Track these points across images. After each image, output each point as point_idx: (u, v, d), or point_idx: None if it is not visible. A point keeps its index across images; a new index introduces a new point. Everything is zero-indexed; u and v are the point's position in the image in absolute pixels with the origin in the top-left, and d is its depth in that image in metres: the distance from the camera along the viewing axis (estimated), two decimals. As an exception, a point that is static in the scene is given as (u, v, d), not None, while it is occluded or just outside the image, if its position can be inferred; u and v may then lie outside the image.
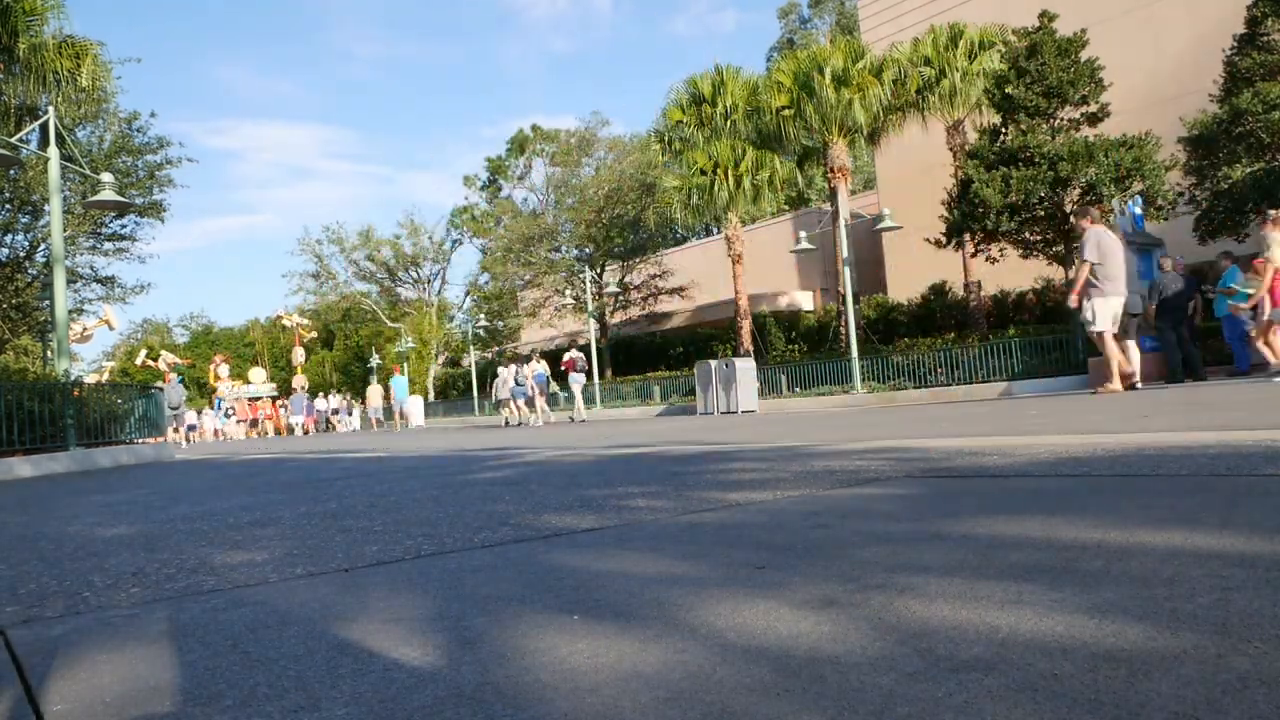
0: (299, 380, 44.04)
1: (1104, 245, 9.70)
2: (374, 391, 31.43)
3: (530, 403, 21.02)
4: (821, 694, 0.96)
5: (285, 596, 1.77)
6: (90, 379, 24.07)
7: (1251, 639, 1.02)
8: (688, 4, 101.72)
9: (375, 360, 40.45)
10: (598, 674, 1.10)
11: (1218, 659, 0.96)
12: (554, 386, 22.15)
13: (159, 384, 20.53)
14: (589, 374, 21.43)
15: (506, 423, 21.51)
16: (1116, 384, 9.79)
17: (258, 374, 48.68)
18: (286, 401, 38.04)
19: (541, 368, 21.04)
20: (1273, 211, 10.39)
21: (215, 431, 37.34)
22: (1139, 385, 10.07)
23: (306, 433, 33.41)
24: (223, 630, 1.51)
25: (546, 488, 3.63)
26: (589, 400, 23.60)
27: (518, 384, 21.09)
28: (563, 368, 20.82)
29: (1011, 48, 16.62)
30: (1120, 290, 9.67)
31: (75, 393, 10.50)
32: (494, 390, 22.88)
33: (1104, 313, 9.61)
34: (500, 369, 22.40)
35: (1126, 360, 9.97)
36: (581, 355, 20.45)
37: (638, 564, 1.83)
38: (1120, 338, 9.95)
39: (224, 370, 46.75)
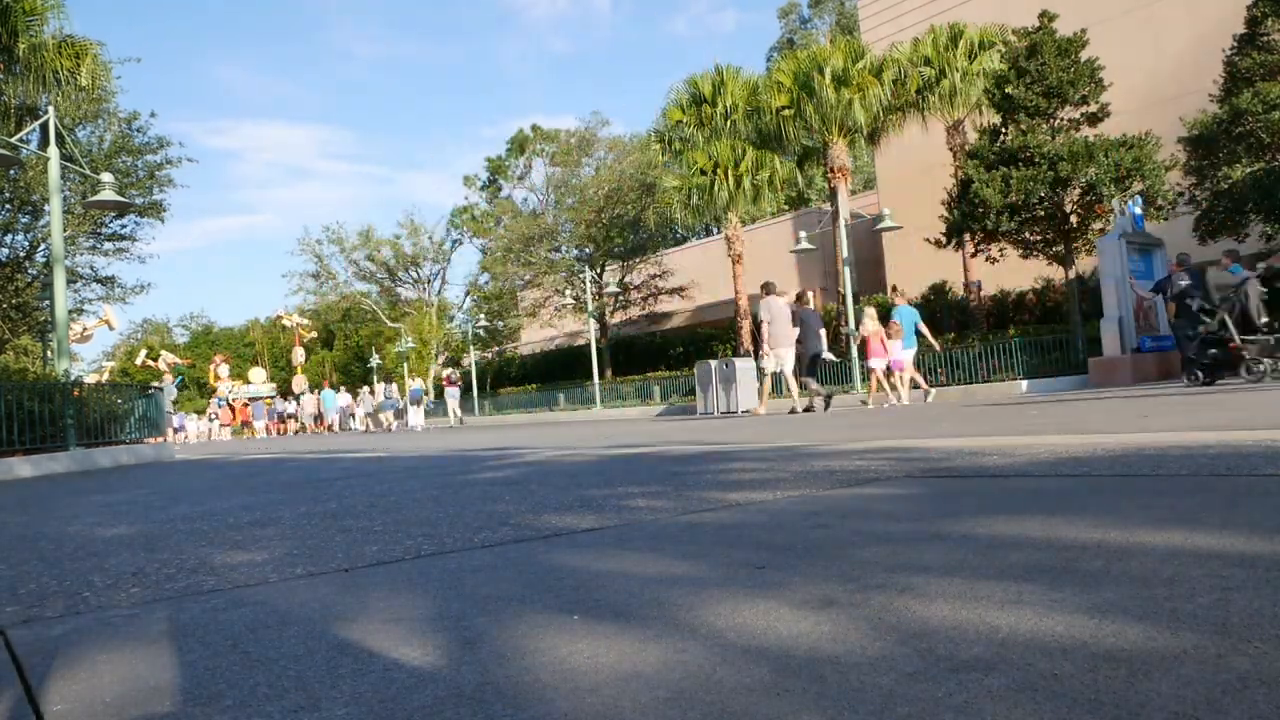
0: (298, 381, 44.13)
1: (774, 310, 12.40)
2: (309, 400, 36.54)
3: (399, 414, 25.81)
4: (821, 694, 0.96)
5: (285, 596, 1.77)
6: (90, 379, 24.07)
7: (1251, 639, 1.02)
8: (688, 4, 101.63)
9: (375, 360, 40.50)
10: (598, 674, 1.10)
11: (1218, 659, 0.96)
12: (428, 400, 28.65)
13: (157, 384, 20.56)
14: (467, 389, 27.31)
15: (385, 428, 26.20)
16: (763, 410, 13.10)
17: (258, 374, 48.77)
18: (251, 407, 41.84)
19: (418, 384, 26.19)
20: (899, 287, 13.03)
21: (197, 434, 38.15)
22: (798, 410, 12.59)
23: (267, 435, 36.89)
24: (223, 630, 1.51)
25: (546, 488, 3.63)
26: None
27: (387, 398, 25.87)
28: (441, 383, 25.91)
29: (1011, 48, 16.60)
30: (785, 343, 12.50)
31: (75, 393, 10.49)
32: (360, 402, 28.84)
33: (774, 360, 12.59)
34: (376, 386, 27.71)
35: (798, 393, 12.77)
36: (455, 372, 24.89)
37: (638, 564, 1.83)
38: (798, 375, 12.80)
39: (224, 370, 46.86)
